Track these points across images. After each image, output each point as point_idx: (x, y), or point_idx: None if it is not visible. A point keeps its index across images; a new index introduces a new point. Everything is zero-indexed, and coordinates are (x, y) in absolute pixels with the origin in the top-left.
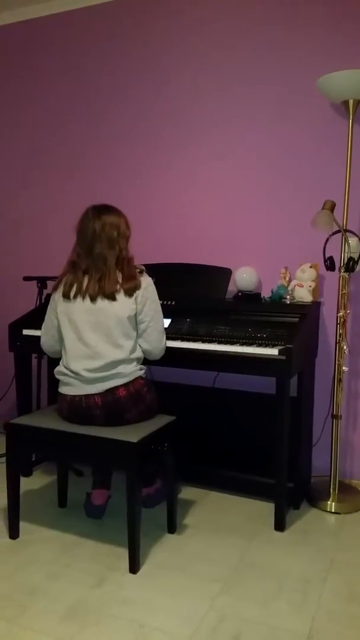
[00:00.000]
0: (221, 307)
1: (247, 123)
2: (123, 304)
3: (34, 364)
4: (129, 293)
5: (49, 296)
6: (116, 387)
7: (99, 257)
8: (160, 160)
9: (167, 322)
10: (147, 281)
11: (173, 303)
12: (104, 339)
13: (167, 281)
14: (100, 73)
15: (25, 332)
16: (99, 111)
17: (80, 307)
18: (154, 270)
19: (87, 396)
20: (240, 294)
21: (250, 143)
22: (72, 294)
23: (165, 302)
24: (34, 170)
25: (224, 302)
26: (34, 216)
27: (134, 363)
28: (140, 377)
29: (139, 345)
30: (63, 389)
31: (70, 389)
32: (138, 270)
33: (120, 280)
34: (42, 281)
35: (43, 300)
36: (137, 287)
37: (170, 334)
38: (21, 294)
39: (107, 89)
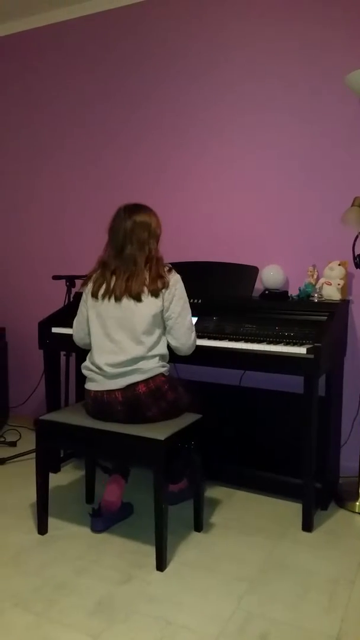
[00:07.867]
0: (248, 306)
1: (273, 120)
2: (148, 304)
3: (63, 361)
4: (155, 294)
5: (77, 294)
6: (136, 383)
7: (129, 258)
8: (186, 159)
9: (193, 320)
10: (174, 278)
11: (200, 301)
12: (129, 336)
13: (194, 279)
14: (124, 71)
15: (55, 330)
16: (122, 110)
17: (108, 306)
18: (180, 268)
19: (109, 392)
20: (267, 292)
21: (277, 141)
22: (100, 293)
23: (192, 301)
24: (63, 171)
25: (251, 301)
26: (63, 216)
27: (156, 359)
28: (161, 374)
29: (168, 342)
30: (87, 385)
31: (94, 384)
32: (167, 268)
33: (147, 280)
34: (70, 280)
35: (72, 299)
36: (164, 286)
37: (197, 332)
38: (50, 292)
39: (130, 86)
